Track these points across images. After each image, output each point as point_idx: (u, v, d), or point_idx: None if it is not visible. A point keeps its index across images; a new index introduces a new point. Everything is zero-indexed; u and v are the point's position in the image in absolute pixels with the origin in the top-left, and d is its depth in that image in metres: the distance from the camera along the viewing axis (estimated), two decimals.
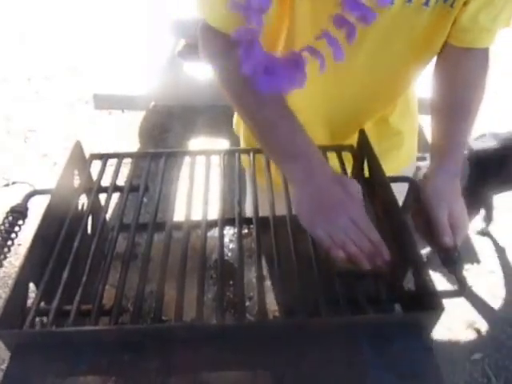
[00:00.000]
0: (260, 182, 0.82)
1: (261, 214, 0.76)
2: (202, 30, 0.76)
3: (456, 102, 0.80)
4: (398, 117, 0.97)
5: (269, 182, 0.81)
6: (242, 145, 1.07)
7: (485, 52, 0.80)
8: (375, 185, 0.80)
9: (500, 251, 2.05)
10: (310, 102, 0.87)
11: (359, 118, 0.93)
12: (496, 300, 1.86)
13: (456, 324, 1.75)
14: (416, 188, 0.78)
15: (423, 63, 0.85)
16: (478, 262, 1.99)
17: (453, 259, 0.67)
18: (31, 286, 0.64)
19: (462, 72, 0.81)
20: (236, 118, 1.11)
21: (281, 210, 0.76)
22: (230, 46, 0.68)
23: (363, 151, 0.85)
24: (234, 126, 1.13)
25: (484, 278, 1.93)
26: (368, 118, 0.94)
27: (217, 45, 0.74)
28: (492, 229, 2.09)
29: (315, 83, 0.75)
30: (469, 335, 1.74)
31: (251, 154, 0.88)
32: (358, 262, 0.63)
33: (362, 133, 0.85)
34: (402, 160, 1.02)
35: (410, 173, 1.02)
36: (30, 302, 0.63)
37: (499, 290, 1.89)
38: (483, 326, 1.76)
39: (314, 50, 0.67)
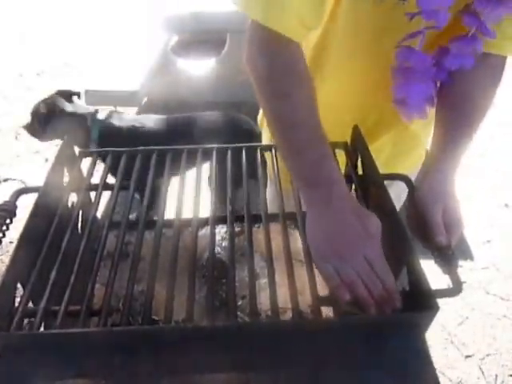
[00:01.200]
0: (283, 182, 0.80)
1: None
2: (256, 30, 0.69)
3: (465, 105, 0.78)
4: (419, 124, 0.95)
5: (277, 177, 0.81)
6: (266, 140, 1.06)
7: (503, 60, 0.78)
8: (369, 182, 0.80)
9: (494, 247, 2.05)
10: (344, 100, 0.87)
11: (383, 130, 0.93)
12: (489, 296, 1.87)
13: (449, 320, 1.76)
14: (411, 187, 0.78)
15: None
16: (471, 258, 2.00)
17: (447, 258, 0.67)
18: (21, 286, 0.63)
19: (477, 76, 0.77)
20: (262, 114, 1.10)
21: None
22: (287, 50, 0.68)
23: (357, 148, 0.84)
24: (258, 121, 1.13)
25: (477, 274, 1.94)
26: (393, 127, 0.94)
27: (272, 49, 0.69)
28: (487, 225, 2.09)
29: (351, 83, 0.81)
30: (462, 331, 1.74)
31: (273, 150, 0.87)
32: (365, 307, 0.58)
33: (356, 129, 0.84)
34: (414, 161, 1.00)
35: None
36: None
37: (492, 286, 1.90)
38: (476, 323, 1.77)
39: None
